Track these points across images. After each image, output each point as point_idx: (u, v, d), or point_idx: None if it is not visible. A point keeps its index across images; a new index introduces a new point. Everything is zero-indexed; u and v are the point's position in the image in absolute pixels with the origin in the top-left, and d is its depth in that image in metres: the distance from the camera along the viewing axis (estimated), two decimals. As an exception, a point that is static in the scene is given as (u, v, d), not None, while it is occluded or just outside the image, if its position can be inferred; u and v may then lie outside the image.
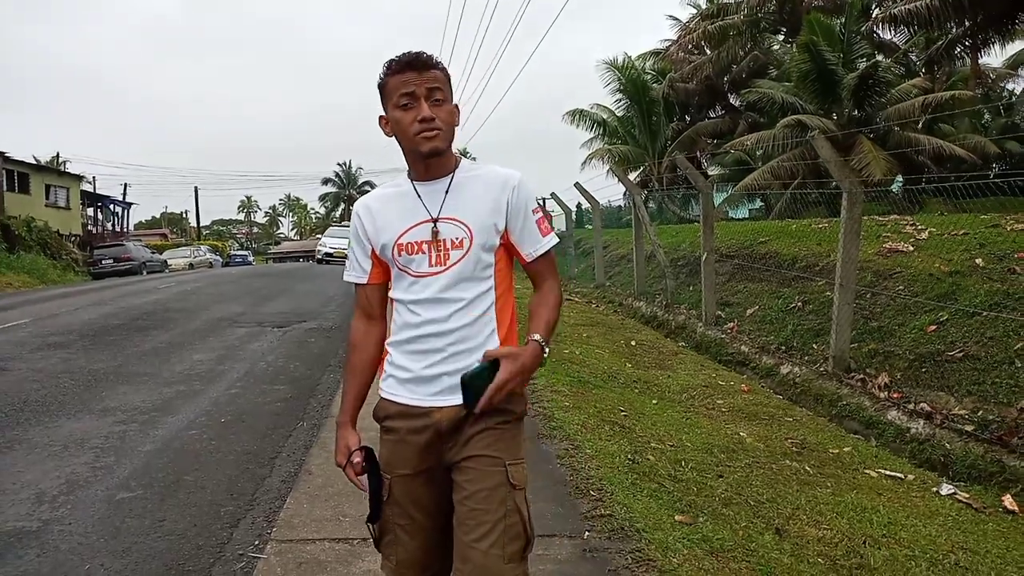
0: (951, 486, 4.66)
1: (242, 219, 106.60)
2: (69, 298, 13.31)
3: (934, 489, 4.57)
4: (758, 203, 23.11)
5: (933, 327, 6.60)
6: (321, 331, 9.32)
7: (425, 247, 1.78)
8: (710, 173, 25.83)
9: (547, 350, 1.78)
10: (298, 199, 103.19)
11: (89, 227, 38.37)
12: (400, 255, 1.80)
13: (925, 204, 10.97)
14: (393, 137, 1.83)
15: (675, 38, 28.47)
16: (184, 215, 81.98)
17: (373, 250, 1.87)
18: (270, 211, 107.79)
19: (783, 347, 8.02)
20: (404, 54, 1.79)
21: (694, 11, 28.52)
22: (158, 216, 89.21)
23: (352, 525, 3.25)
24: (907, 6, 15.71)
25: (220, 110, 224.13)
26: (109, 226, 42.57)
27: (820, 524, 3.69)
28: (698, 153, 26.78)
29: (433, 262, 1.77)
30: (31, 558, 3.01)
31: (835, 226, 7.56)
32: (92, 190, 42.44)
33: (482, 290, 1.80)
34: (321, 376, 6.53)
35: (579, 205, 25.63)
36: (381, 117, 1.84)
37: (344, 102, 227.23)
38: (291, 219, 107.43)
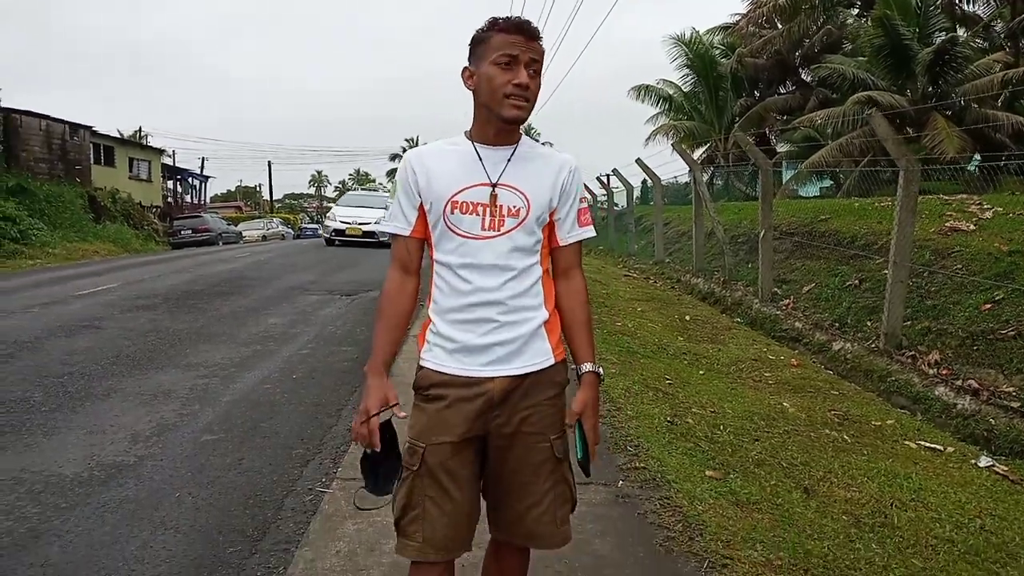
0: (990, 459, 4.74)
1: (312, 193, 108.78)
2: (152, 266, 14.12)
3: (972, 461, 4.65)
4: (828, 181, 22.66)
5: (988, 305, 6.60)
6: (386, 299, 9.76)
7: (480, 209, 1.75)
8: (778, 150, 25.40)
9: (601, 372, 1.86)
10: (367, 174, 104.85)
11: (168, 199, 39.82)
12: (452, 212, 1.76)
13: (1001, 183, 10.75)
14: (472, 90, 1.80)
15: (745, 12, 27.94)
16: (258, 188, 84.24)
17: (421, 203, 1.82)
18: (340, 186, 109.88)
19: (837, 324, 8.08)
20: (515, 17, 1.78)
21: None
22: (232, 189, 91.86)
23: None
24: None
25: (294, 85, 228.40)
26: (187, 198, 44.09)
27: (850, 487, 3.85)
28: (767, 130, 26.36)
29: (487, 226, 1.75)
30: (130, 486, 3.45)
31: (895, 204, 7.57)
32: (172, 163, 43.92)
33: (532, 261, 1.79)
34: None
35: (644, 182, 25.60)
36: (466, 69, 1.81)
37: (415, 76, 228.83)
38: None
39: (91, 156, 29.17)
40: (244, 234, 34.93)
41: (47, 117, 26.16)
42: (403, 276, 1.86)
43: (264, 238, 35.73)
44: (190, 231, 29.64)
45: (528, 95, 1.73)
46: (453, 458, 1.74)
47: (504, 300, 1.75)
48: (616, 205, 22.90)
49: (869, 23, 20.58)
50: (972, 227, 8.33)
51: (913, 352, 6.63)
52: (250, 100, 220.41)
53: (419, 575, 1.81)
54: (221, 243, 29.46)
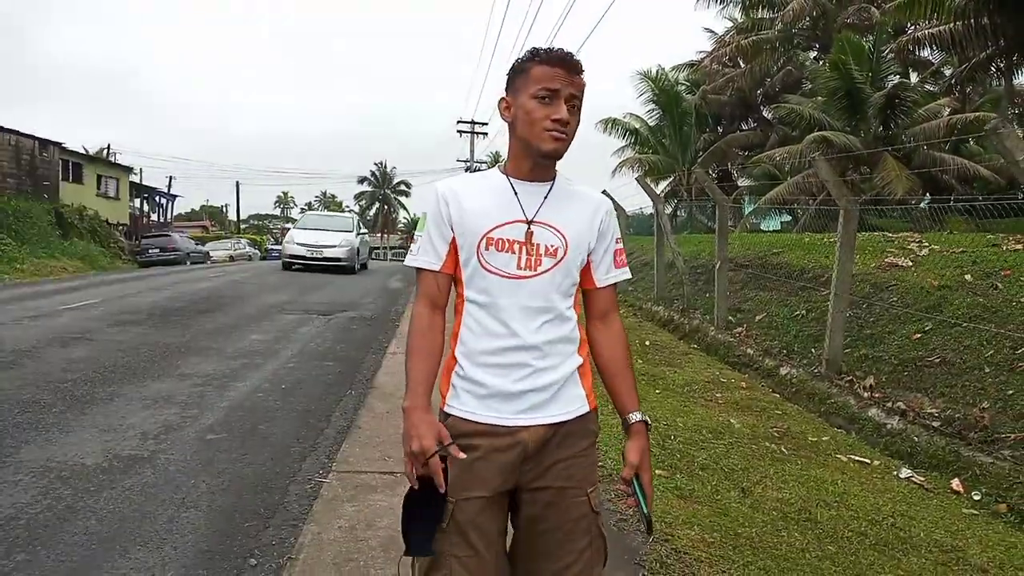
0: (910, 471, 5.31)
1: (278, 214, 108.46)
2: (128, 283, 14.40)
3: (894, 472, 5.23)
4: (788, 216, 23.57)
5: (918, 335, 7.22)
6: (362, 320, 10.26)
7: (516, 247, 1.69)
8: (740, 185, 26.31)
9: (649, 421, 1.80)
10: (333, 196, 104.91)
11: (135, 217, 39.73)
12: (487, 249, 1.70)
13: (948, 223, 11.52)
14: (509, 123, 1.75)
15: (710, 50, 29.01)
16: (224, 208, 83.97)
17: (453, 238, 1.75)
18: (306, 207, 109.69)
19: (785, 351, 8.68)
20: (557, 49, 1.71)
21: (730, 23, 29.06)
22: (197, 209, 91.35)
23: (396, 464, 4.10)
24: (930, 30, 16.23)
25: (262, 107, 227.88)
26: (154, 216, 44.00)
27: (781, 489, 4.40)
28: (729, 165, 27.30)
29: (523, 265, 1.69)
30: (148, 475, 3.89)
31: None
32: (139, 181, 43.83)
33: (568, 304, 1.75)
34: (365, 356, 7.41)
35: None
36: (503, 99, 1.76)
37: (383, 102, 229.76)
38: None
39: (60, 173, 29.17)
40: (211, 254, 34.97)
41: (17, 132, 26.21)
42: (432, 312, 1.77)
43: (231, 258, 35.79)
44: (158, 250, 29.67)
45: (568, 131, 1.68)
46: (483, 514, 1.66)
47: (540, 344, 1.68)
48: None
49: (825, 66, 21.58)
50: (909, 263, 9.01)
51: (851, 377, 7.22)
52: (216, 120, 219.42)
53: None
54: (189, 262, 29.53)
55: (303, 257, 18.42)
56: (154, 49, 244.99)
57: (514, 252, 1.69)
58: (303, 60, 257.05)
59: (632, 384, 1.84)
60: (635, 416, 1.79)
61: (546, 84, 1.66)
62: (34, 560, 2.89)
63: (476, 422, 1.67)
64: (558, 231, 1.71)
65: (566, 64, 1.67)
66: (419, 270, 1.78)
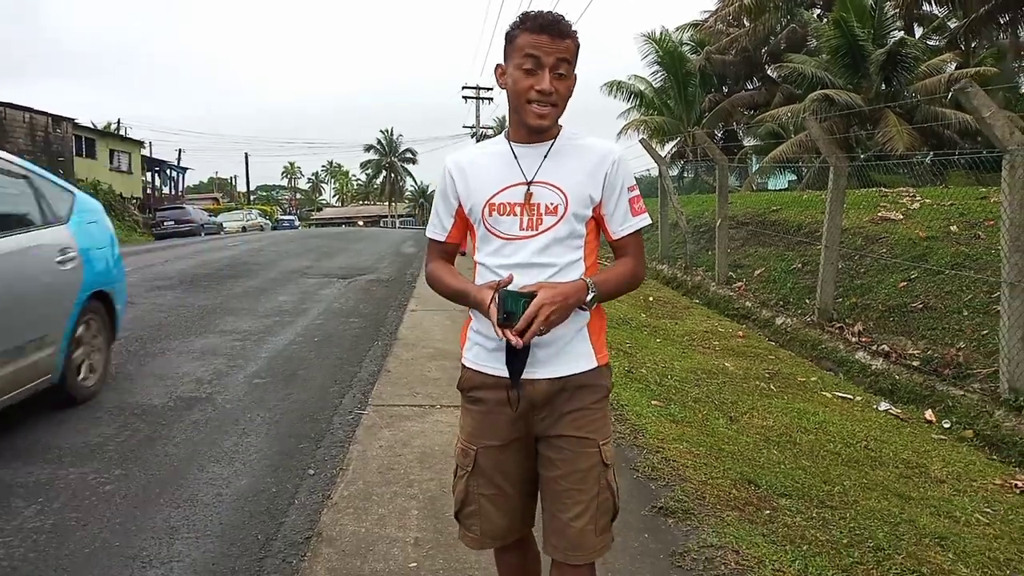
0: (888, 404, 5.83)
1: (286, 185, 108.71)
2: (153, 253, 14.98)
3: (874, 406, 5.74)
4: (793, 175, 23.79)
5: (904, 283, 7.69)
6: (380, 282, 10.88)
7: (517, 209, 1.75)
8: (745, 144, 26.53)
9: (592, 293, 1.72)
10: (339, 166, 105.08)
11: (147, 190, 40.24)
12: (490, 215, 1.76)
13: (948, 177, 11.89)
14: (504, 89, 1.78)
15: (714, 9, 28.97)
16: (232, 180, 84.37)
17: (460, 209, 1.85)
18: (312, 177, 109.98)
19: (781, 302, 9.17)
20: (543, 14, 1.71)
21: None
22: (206, 181, 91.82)
23: (423, 399, 4.72)
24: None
25: (270, 78, 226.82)
26: (165, 190, 44.48)
27: (767, 418, 4.92)
28: (734, 124, 27.44)
29: (525, 226, 1.74)
30: (209, 411, 4.47)
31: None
32: (149, 155, 44.19)
33: (573, 258, 1.76)
34: (387, 313, 7.98)
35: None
36: (499, 66, 1.79)
37: (390, 70, 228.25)
38: (333, 186, 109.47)
39: (73, 148, 29.62)
40: (225, 225, 35.51)
41: (30, 110, 26.63)
42: (443, 261, 1.94)
43: (244, 229, 36.32)
44: (173, 222, 30.13)
45: (552, 100, 1.70)
46: (506, 459, 1.80)
47: None
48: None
49: (827, 24, 21.66)
50: (900, 216, 9.43)
51: (841, 324, 7.71)
52: (225, 92, 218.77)
53: (495, 554, 1.98)
54: (203, 234, 30.02)
55: None
56: (160, 23, 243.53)
57: (516, 214, 1.75)
58: (309, 29, 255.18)
59: (607, 276, 1.79)
60: (584, 277, 1.75)
61: (529, 51, 1.68)
62: (129, 475, 3.46)
63: (485, 374, 1.78)
64: (557, 188, 1.75)
65: (549, 30, 1.68)
66: (430, 240, 1.95)
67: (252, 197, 73.94)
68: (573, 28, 1.72)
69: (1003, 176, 5.16)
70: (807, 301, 8.70)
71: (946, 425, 5.38)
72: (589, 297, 1.71)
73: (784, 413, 5.07)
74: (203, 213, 34.46)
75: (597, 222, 1.83)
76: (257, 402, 4.65)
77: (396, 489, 3.28)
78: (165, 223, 30.04)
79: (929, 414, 5.57)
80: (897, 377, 6.35)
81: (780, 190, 22.81)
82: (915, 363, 6.46)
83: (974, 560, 3.00)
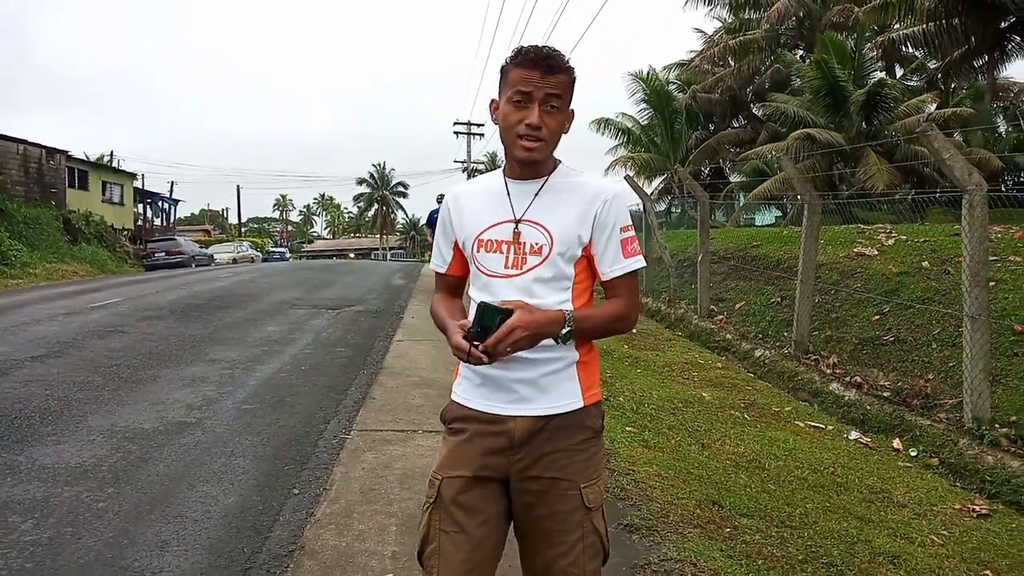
0: (858, 433, 6.01)
1: (277, 217, 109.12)
2: (143, 284, 15.18)
3: (844, 435, 5.92)
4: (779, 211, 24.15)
5: (877, 317, 7.92)
6: (368, 313, 11.06)
7: (504, 247, 1.73)
8: (732, 181, 26.94)
9: (569, 327, 1.68)
10: (331, 199, 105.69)
11: (139, 222, 40.36)
12: (478, 251, 1.76)
13: (928, 214, 12.20)
14: (497, 124, 1.76)
15: (700, 50, 29.60)
16: (224, 212, 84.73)
17: (456, 241, 1.84)
18: (304, 210, 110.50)
19: (760, 335, 9.39)
20: (536, 49, 1.70)
21: (719, 23, 29.66)
22: (197, 213, 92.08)
23: (407, 424, 4.90)
24: (906, 31, 16.90)
25: (263, 110, 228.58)
26: (157, 221, 44.61)
27: (738, 445, 5.09)
28: (720, 161, 27.88)
29: (509, 264, 1.72)
30: (198, 435, 4.64)
31: (820, 233, 8.91)
32: (141, 187, 44.35)
33: (560, 299, 1.72)
34: (374, 343, 8.17)
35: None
36: (493, 101, 1.79)
37: (383, 105, 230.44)
38: (324, 218, 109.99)
39: (66, 179, 29.78)
40: (215, 257, 35.64)
41: (24, 142, 26.84)
42: (448, 294, 1.93)
43: (234, 261, 36.49)
44: (163, 253, 30.17)
45: (540, 135, 1.68)
46: (468, 493, 1.72)
47: None
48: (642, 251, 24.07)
49: (809, 65, 22.17)
50: (875, 252, 9.70)
51: (816, 356, 7.92)
52: (217, 125, 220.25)
53: None
54: (194, 265, 30.14)
55: None
56: (152, 56, 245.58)
57: (502, 252, 1.73)
58: (303, 63, 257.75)
59: (590, 313, 1.76)
60: (564, 308, 1.71)
61: (520, 87, 1.67)
62: (121, 493, 3.63)
63: (469, 408, 1.76)
64: (543, 228, 1.72)
65: (540, 65, 1.66)
66: (435, 272, 1.95)
67: (244, 229, 74.06)
68: (568, 63, 1.71)
69: (963, 215, 5.40)
70: (784, 334, 8.91)
71: (913, 453, 5.55)
72: (564, 331, 1.67)
73: (755, 440, 5.24)
74: (194, 245, 34.59)
75: (589, 262, 1.78)
76: (245, 427, 4.82)
77: (376, 507, 3.45)
78: (156, 254, 30.10)
79: (897, 443, 5.74)
80: (868, 407, 6.53)
81: (767, 225, 23.14)
82: (886, 394, 6.66)
83: (923, 577, 3.18)
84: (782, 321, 9.33)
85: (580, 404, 1.75)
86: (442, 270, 1.91)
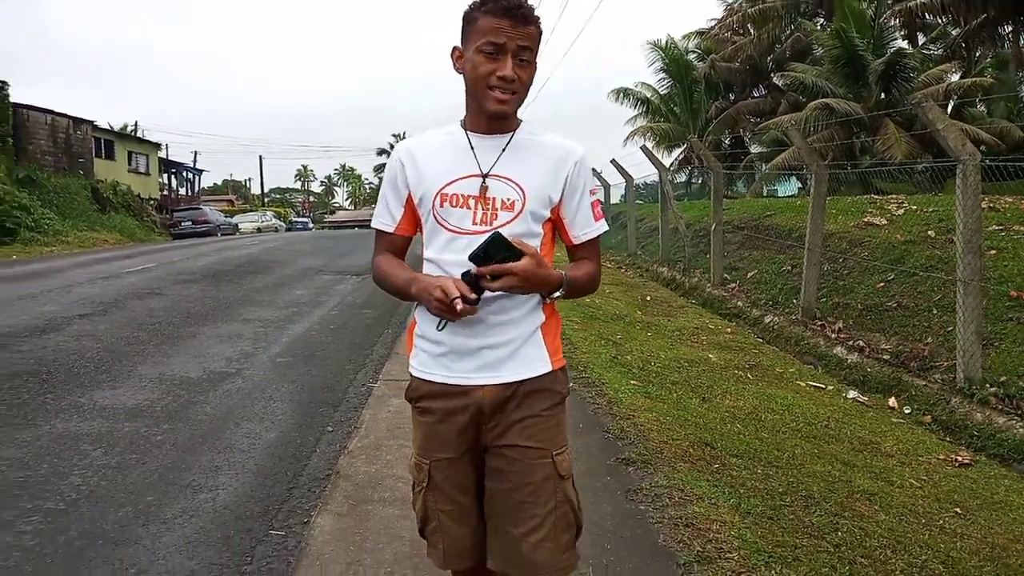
0: (856, 392, 6.32)
1: (299, 187, 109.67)
2: (174, 251, 15.75)
3: (843, 395, 6.23)
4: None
5: (881, 284, 8.18)
6: (391, 278, 11.44)
7: (471, 202, 1.65)
8: (752, 151, 26.92)
9: (564, 289, 1.67)
10: (352, 169, 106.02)
11: (164, 192, 41.00)
12: (441, 206, 1.66)
13: (945, 186, 12.35)
14: (460, 74, 1.69)
15: (720, 18, 29.37)
16: (247, 182, 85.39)
17: (409, 198, 1.73)
18: (326, 180, 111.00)
19: (771, 302, 9.67)
20: None
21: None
22: (220, 183, 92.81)
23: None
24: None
25: (284, 81, 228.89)
26: (181, 191, 45.24)
27: (738, 400, 5.41)
28: (741, 131, 27.83)
29: (478, 220, 1.64)
30: (239, 383, 5.10)
31: (833, 203, 9.15)
32: (165, 157, 44.89)
33: None
34: (397, 305, 8.54)
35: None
36: (455, 49, 1.69)
37: (402, 73, 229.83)
38: (346, 188, 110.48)
39: (93, 150, 30.32)
40: (240, 226, 36.24)
41: (52, 112, 27.33)
42: (390, 256, 1.82)
43: (259, 230, 37.05)
44: (190, 222, 30.81)
45: (515, 87, 1.62)
46: (454, 469, 1.71)
47: (495, 298, 1.62)
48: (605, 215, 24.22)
49: (827, 34, 22.04)
50: (884, 221, 9.93)
51: (823, 322, 8.21)
52: (239, 95, 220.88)
53: None
54: (219, 234, 30.70)
55: None
56: (175, 27, 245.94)
57: (469, 207, 1.65)
58: (324, 31, 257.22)
59: (578, 274, 1.75)
60: (563, 271, 1.70)
61: (491, 37, 1.59)
62: (175, 429, 4.09)
63: (432, 381, 1.69)
64: (515, 183, 1.66)
65: (513, 15, 1.58)
66: (377, 231, 1.82)
67: (266, 199, 74.70)
68: (536, 14, 1.64)
69: (956, 183, 5.65)
70: (794, 301, 9.19)
71: (907, 411, 5.86)
72: (557, 293, 1.67)
73: (755, 397, 5.56)
74: (219, 214, 35.23)
75: (554, 224, 1.76)
76: (281, 376, 5.28)
77: (402, 442, 3.86)
78: (183, 223, 30.73)
79: (892, 401, 6.05)
80: (868, 369, 6.84)
81: (788, 196, 23.20)
82: (885, 356, 6.95)
83: (895, 511, 3.52)
84: (792, 289, 9.60)
85: (549, 368, 1.71)
86: (389, 229, 1.79)
